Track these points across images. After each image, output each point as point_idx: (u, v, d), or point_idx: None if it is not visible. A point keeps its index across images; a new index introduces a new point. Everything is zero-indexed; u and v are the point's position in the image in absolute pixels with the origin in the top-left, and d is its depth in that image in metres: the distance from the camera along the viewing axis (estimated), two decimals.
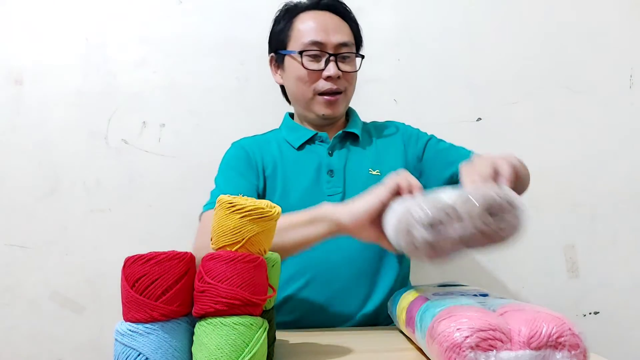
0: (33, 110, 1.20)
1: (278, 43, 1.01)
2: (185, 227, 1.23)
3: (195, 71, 1.26)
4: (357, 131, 1.03)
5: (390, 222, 0.65)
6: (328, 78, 0.96)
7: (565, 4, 1.38)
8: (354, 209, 0.71)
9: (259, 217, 0.56)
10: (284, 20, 1.01)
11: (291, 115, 1.10)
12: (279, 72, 1.05)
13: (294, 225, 0.75)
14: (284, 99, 1.11)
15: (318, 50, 0.95)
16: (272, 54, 1.04)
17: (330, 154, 1.00)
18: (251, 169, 0.98)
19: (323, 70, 0.96)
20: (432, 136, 1.07)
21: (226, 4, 1.28)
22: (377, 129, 1.09)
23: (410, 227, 0.59)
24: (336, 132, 1.03)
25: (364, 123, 1.09)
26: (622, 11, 1.40)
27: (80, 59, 1.22)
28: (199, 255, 0.76)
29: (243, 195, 0.81)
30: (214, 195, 0.92)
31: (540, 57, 1.37)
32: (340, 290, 0.92)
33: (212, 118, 1.26)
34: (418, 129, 1.09)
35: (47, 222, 1.19)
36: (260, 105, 1.27)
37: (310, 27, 0.96)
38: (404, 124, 1.10)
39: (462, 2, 1.36)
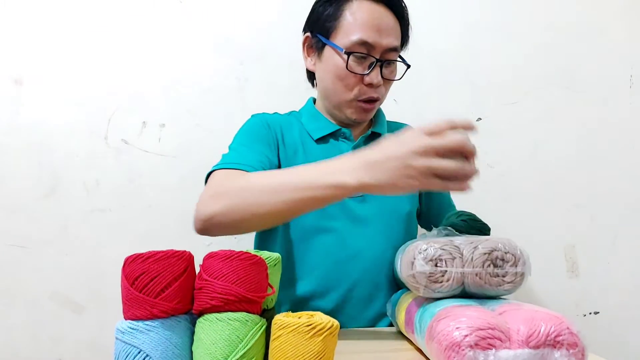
0: (33, 110, 1.20)
1: (321, 27, 0.90)
2: (185, 227, 1.23)
3: (195, 71, 1.26)
4: (383, 132, 0.98)
5: (399, 255, 0.73)
6: (370, 85, 0.87)
7: (565, 4, 1.39)
8: (380, 185, 0.62)
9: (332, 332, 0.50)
10: (334, 4, 0.88)
11: (314, 100, 1.03)
12: (311, 56, 0.94)
13: (311, 187, 0.67)
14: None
15: (365, 53, 0.85)
16: (309, 34, 0.93)
17: None
18: (267, 142, 0.90)
19: (365, 75, 0.87)
20: None
21: (226, 4, 1.28)
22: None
23: (413, 259, 0.63)
24: (361, 129, 0.99)
25: (388, 122, 1.04)
26: (622, 11, 1.40)
27: (80, 58, 1.22)
28: (201, 209, 0.74)
29: (253, 167, 0.80)
30: (225, 157, 0.86)
31: (540, 57, 1.37)
32: (350, 303, 0.89)
33: (212, 118, 1.26)
34: None
35: (47, 222, 1.19)
36: (260, 105, 1.26)
37: (363, 21, 0.85)
38: None
39: (462, 2, 1.36)
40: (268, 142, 0.91)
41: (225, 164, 0.82)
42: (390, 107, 1.32)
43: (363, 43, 0.85)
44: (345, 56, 0.85)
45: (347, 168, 0.65)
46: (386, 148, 0.63)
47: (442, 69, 1.35)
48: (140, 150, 1.24)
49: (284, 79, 1.27)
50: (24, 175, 1.19)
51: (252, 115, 0.99)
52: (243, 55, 1.28)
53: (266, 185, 0.71)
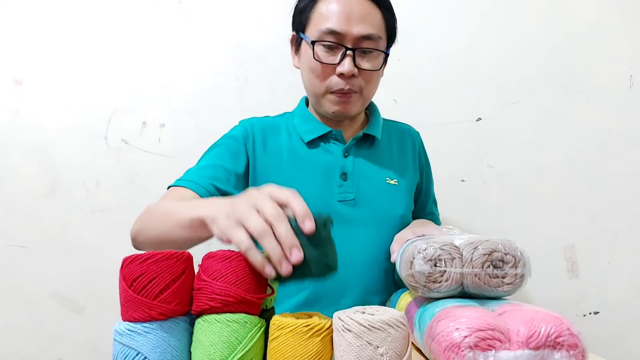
0: (33, 110, 1.20)
1: (298, 23, 0.89)
2: None
3: (195, 71, 1.26)
4: (377, 134, 0.95)
5: (399, 254, 0.72)
6: (341, 75, 0.84)
7: (565, 4, 1.39)
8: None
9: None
10: None
11: (307, 101, 1.00)
12: (297, 55, 0.94)
13: (176, 219, 0.67)
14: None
15: (334, 42, 0.83)
16: (294, 32, 0.92)
17: (346, 156, 0.92)
18: (233, 155, 0.89)
19: (337, 65, 0.84)
20: (430, 176, 1.07)
21: (226, 4, 1.28)
22: (398, 133, 1.02)
23: (412, 259, 0.63)
24: (353, 131, 0.96)
25: (384, 121, 1.01)
26: (621, 11, 1.40)
27: (80, 59, 1.22)
28: (139, 225, 0.77)
29: (201, 185, 0.82)
30: (187, 171, 0.87)
31: (540, 57, 1.37)
32: (342, 309, 0.88)
33: (212, 118, 1.26)
34: (427, 157, 1.07)
35: (47, 222, 1.20)
36: (260, 105, 1.27)
37: (332, 12, 0.82)
38: (420, 137, 1.06)
39: (462, 2, 1.36)
40: (236, 154, 0.90)
41: (178, 180, 0.85)
42: (390, 107, 1.32)
43: (331, 32, 0.82)
44: (312, 46, 0.84)
45: (208, 204, 0.63)
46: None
47: (442, 69, 1.34)
48: (140, 150, 1.24)
49: (284, 79, 1.27)
50: (24, 175, 1.19)
51: (240, 122, 0.98)
52: (243, 55, 1.28)
53: (160, 213, 0.74)
